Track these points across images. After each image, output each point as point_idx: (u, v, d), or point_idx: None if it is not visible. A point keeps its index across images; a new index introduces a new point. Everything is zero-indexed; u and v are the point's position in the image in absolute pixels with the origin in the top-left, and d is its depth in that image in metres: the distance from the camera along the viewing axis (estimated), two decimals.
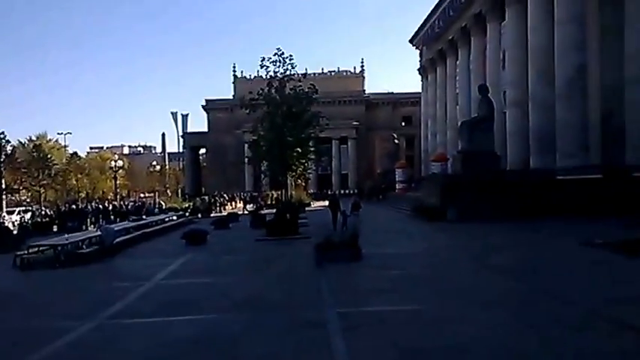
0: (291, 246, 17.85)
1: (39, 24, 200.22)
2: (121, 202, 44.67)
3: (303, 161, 24.41)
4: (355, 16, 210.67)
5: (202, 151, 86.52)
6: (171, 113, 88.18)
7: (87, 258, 15.13)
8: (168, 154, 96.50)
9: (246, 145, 53.54)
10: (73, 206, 36.03)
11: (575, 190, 22.91)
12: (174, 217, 30.42)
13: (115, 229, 18.81)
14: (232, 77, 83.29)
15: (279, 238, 19.63)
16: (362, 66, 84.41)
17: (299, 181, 50.11)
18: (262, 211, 29.98)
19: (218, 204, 44.21)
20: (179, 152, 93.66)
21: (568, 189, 23.08)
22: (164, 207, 37.64)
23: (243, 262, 15.23)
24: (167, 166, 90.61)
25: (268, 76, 22.92)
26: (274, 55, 22.42)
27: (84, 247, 16.19)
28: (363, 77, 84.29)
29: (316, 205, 44.97)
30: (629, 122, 25.00)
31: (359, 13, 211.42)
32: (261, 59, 22.46)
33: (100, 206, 35.91)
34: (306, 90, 22.89)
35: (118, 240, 17.77)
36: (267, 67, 22.52)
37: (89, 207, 36.34)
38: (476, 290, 9.81)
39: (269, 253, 16.54)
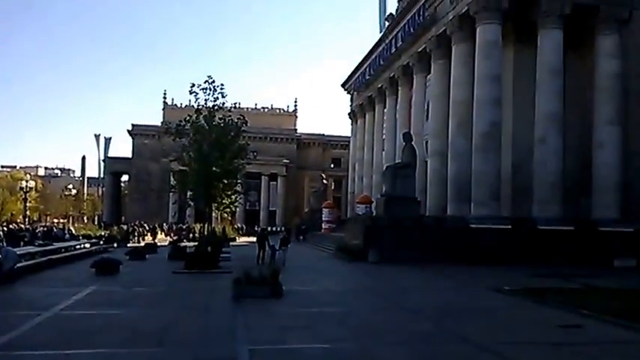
0: (209, 280, 17.44)
1: None
2: (29, 226, 41.96)
3: (229, 193, 24.01)
4: (292, 55, 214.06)
5: (125, 178, 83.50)
6: (95, 135, 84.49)
7: None
8: (88, 178, 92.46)
9: (171, 174, 52.88)
10: None
11: (487, 238, 24.10)
12: (87, 245, 29.03)
13: (18, 253, 17.60)
14: (162, 104, 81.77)
15: (198, 271, 19.17)
16: (295, 105, 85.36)
17: (225, 214, 49.65)
18: (183, 243, 29.23)
19: (137, 234, 42.58)
20: (99, 177, 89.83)
21: (480, 237, 24.26)
22: (75, 233, 35.74)
23: (155, 294, 14.71)
24: (85, 192, 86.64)
25: (197, 104, 22.67)
26: (205, 82, 22.27)
27: None
28: (296, 116, 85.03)
29: (242, 240, 44.38)
30: (536, 177, 26.61)
31: (296, 51, 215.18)
32: (190, 85, 22.19)
33: (4, 228, 33.53)
34: (236, 120, 22.73)
35: (19, 265, 16.63)
36: (197, 94, 22.28)
37: None
38: (387, 329, 10.02)
39: (184, 287, 16.09)
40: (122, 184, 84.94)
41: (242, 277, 13.65)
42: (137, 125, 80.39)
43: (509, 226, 25.07)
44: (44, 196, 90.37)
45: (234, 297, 12.98)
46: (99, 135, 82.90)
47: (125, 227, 43.81)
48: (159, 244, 34.65)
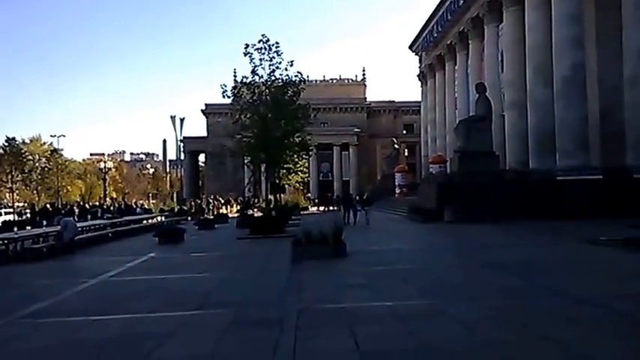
0: (272, 244, 16.57)
1: (40, 26, 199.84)
2: (106, 204, 43.21)
3: (292, 154, 22.84)
4: (357, 24, 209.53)
5: (202, 157, 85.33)
6: (171, 117, 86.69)
7: (41, 254, 13.90)
8: (170, 161, 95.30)
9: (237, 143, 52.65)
10: (48, 205, 34.60)
11: (576, 191, 21.81)
12: (159, 218, 29.20)
13: (85, 225, 17.54)
14: (233, 82, 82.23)
15: (262, 236, 18.49)
16: (363, 74, 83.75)
17: (297, 185, 49.35)
18: (253, 212, 28.81)
19: (211, 207, 42.99)
20: (177, 159, 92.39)
21: (568, 189, 21.99)
22: (148, 207, 36.33)
23: (212, 258, 14.02)
24: (168, 172, 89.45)
25: (252, 65, 21.49)
26: (259, 42, 21.09)
27: (41, 242, 14.95)
28: (365, 85, 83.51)
29: (315, 209, 43.77)
30: (628, 122, 23.94)
31: (360, 20, 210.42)
32: (244, 46, 21.07)
33: (75, 207, 34.48)
34: (294, 79, 21.43)
35: (84, 236, 16.51)
36: (252, 54, 21.18)
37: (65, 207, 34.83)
38: (463, 285, 8.65)
39: (246, 251, 15.33)
40: (201, 164, 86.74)
41: (302, 238, 12.64)
42: (210, 104, 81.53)
43: (601, 177, 22.60)
44: (126, 179, 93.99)
45: (294, 259, 12.00)
46: (174, 116, 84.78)
47: (199, 200, 44.28)
48: (231, 215, 34.54)
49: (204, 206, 41.77)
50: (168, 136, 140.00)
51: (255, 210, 31.27)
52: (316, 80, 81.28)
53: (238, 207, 42.70)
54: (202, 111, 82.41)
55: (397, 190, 45.27)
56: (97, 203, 51.80)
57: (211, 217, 30.29)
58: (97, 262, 13.65)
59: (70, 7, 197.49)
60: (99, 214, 27.90)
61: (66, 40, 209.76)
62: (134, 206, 37.06)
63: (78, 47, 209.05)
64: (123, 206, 36.73)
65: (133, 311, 7.62)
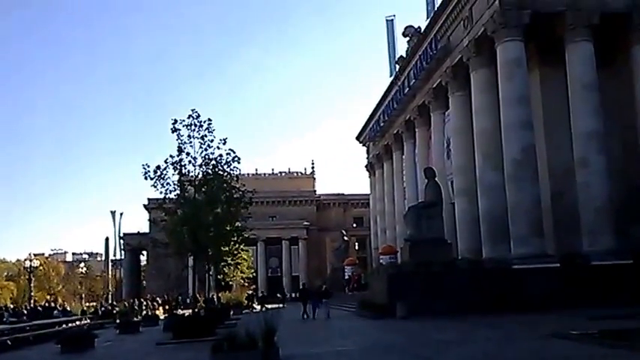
0: (197, 350, 13.98)
1: None
2: (21, 306, 38.93)
3: (229, 244, 20.72)
4: (306, 118, 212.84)
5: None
6: (111, 212, 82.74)
7: None
8: (112, 260, 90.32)
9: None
10: None
11: (533, 280, 20.67)
12: (85, 321, 25.90)
13: None
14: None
15: (188, 340, 15.92)
16: (312, 167, 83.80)
17: (242, 281, 46.87)
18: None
19: (144, 307, 39.36)
20: (117, 257, 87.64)
21: (525, 279, 20.82)
22: (70, 310, 32.70)
23: None
24: (103, 272, 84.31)
25: (180, 143, 19.52)
26: (188, 117, 19.46)
27: None
28: (314, 178, 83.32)
29: (262, 307, 40.83)
30: (582, 206, 23.36)
31: (309, 114, 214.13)
32: (172, 122, 19.37)
33: None
34: (226, 160, 19.64)
35: None
36: (179, 130, 19.44)
37: None
38: None
39: None
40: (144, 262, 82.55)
41: (224, 342, 10.39)
42: (153, 199, 78.74)
43: (558, 265, 21.49)
44: (64, 279, 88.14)
45: None
46: (114, 212, 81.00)
47: (131, 301, 40.69)
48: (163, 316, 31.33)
49: (135, 307, 38.24)
50: (109, 233, 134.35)
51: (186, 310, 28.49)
52: (265, 173, 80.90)
53: (166, 307, 39.30)
54: (145, 206, 79.47)
55: (347, 284, 43.25)
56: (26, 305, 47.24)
57: (138, 318, 27.11)
58: None
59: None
60: (4, 319, 24.43)
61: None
62: (57, 308, 33.33)
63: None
64: (40, 308, 32.93)
65: None
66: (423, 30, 34.28)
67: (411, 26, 38.05)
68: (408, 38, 38.72)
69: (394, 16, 43.05)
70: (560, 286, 20.39)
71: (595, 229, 22.69)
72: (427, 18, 32.85)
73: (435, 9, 31.23)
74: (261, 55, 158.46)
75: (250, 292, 50.03)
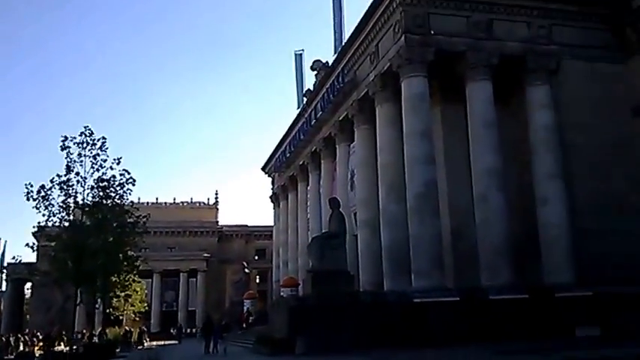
0: None
1: None
2: None
3: (116, 278, 18.90)
4: (209, 148, 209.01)
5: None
6: None
7: None
8: None
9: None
10: None
11: (434, 314, 20.67)
12: None
13: None
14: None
15: None
16: (216, 197, 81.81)
17: (134, 315, 44.04)
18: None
19: (21, 342, 35.53)
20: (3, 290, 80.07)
21: (427, 312, 20.73)
22: None
23: None
24: None
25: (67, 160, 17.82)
26: (80, 134, 17.83)
27: None
28: (217, 208, 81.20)
29: (155, 344, 38.27)
30: (480, 241, 23.83)
31: (213, 143, 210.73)
32: (62, 139, 17.67)
33: None
34: (119, 181, 18.08)
35: None
36: (69, 148, 17.67)
37: None
38: None
39: None
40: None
41: None
42: (42, 227, 72.65)
43: (458, 298, 21.61)
44: None
45: None
46: None
47: (7, 336, 36.64)
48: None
49: (12, 343, 34.41)
50: None
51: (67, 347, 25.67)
52: (166, 203, 77.90)
53: (46, 343, 35.66)
54: (33, 234, 73.01)
55: (245, 318, 41.76)
56: None
57: (11, 356, 24.12)
58: None
59: None
60: None
61: None
62: None
63: None
64: None
65: None
66: (330, 64, 34.57)
67: (319, 60, 38.42)
68: (316, 72, 38.95)
69: (303, 50, 43.71)
70: (461, 320, 20.49)
71: (493, 264, 23.09)
72: (335, 53, 33.26)
73: (343, 44, 31.68)
74: (170, 84, 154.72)
75: (142, 327, 47.06)
